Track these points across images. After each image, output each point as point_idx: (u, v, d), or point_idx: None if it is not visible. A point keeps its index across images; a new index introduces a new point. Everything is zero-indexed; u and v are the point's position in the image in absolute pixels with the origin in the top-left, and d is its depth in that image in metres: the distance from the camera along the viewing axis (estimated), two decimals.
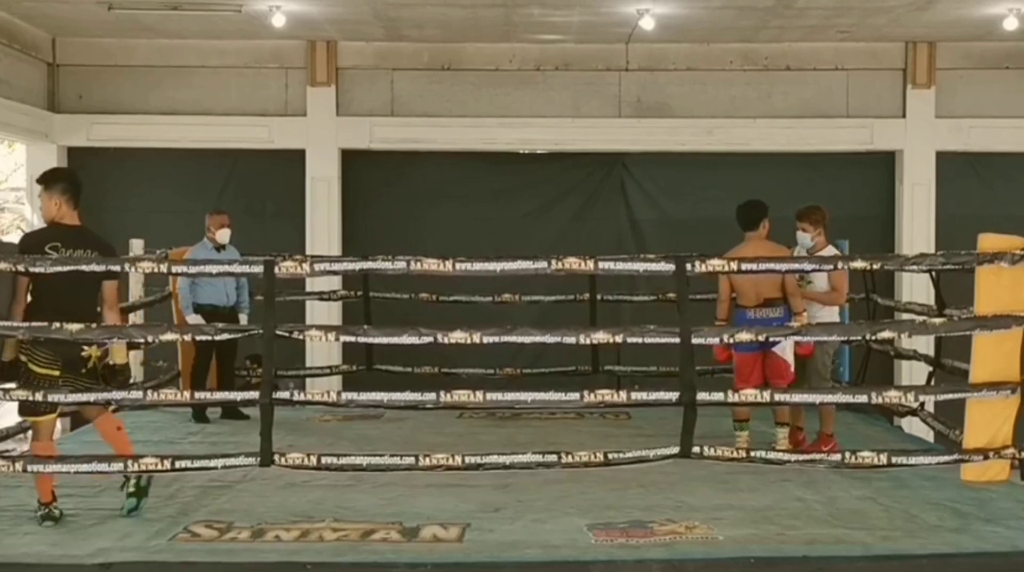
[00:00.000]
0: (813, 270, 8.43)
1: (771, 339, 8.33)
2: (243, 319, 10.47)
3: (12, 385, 7.03)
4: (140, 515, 6.92)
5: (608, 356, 12.00)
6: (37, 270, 6.72)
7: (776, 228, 9.39)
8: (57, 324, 6.70)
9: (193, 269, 9.09)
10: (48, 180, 7.05)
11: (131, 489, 6.96)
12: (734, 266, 7.42)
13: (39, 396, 6.79)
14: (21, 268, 6.74)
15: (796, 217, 9.18)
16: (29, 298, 6.89)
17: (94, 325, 6.82)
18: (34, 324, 6.75)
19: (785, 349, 8.72)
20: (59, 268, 6.73)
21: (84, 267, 6.80)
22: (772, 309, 8.66)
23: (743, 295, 8.73)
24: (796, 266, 8.13)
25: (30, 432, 7.44)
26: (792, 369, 8.80)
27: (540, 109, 14.66)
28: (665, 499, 7.38)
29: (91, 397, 6.94)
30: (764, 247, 8.73)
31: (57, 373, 6.86)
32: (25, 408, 6.99)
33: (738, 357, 8.83)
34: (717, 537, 6.52)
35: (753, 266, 7.68)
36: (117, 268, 6.97)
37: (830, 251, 9.10)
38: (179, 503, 7.30)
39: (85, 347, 6.91)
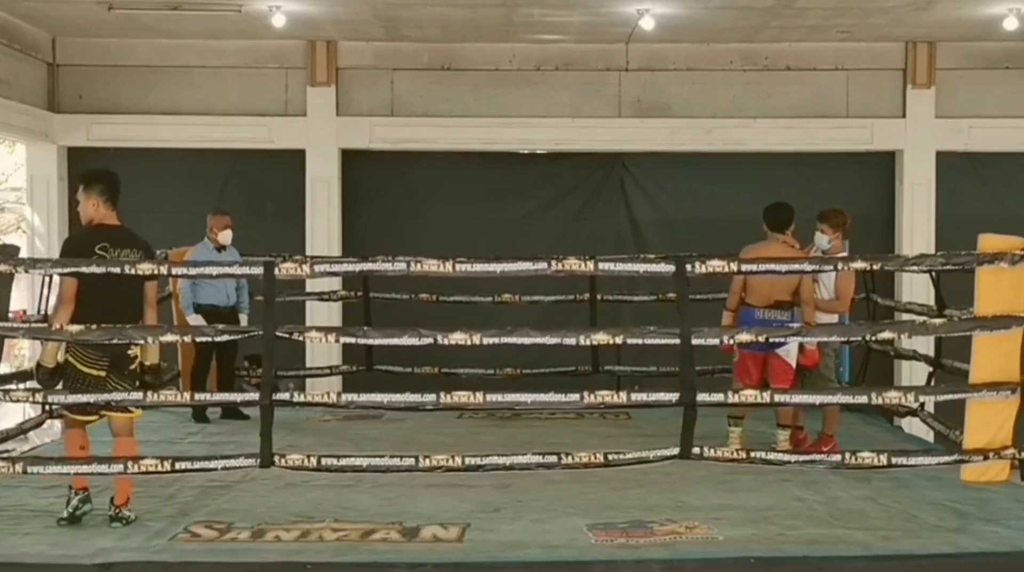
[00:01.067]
0: (814, 271, 8.43)
1: (776, 341, 8.34)
2: (243, 319, 10.47)
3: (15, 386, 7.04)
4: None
5: (608, 356, 12.00)
6: (38, 271, 6.72)
7: None
8: (57, 325, 6.71)
9: (193, 270, 9.10)
10: (86, 181, 7.08)
11: (114, 520, 6.92)
12: (734, 266, 7.43)
13: (56, 396, 6.80)
14: (21, 270, 6.74)
15: (817, 217, 9.17)
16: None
17: (93, 326, 6.81)
18: (34, 325, 6.76)
19: (789, 352, 8.71)
20: (61, 270, 6.73)
21: (84, 269, 6.80)
22: (780, 311, 8.66)
23: (755, 293, 8.71)
24: (796, 267, 8.12)
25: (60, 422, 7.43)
26: (794, 373, 8.77)
27: (540, 109, 14.65)
28: (665, 499, 7.38)
29: (106, 398, 6.92)
30: (787, 251, 8.71)
31: (104, 373, 6.86)
32: (68, 406, 6.98)
33: (741, 353, 8.84)
34: (717, 537, 6.52)
35: (753, 266, 7.70)
36: (117, 269, 6.96)
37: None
38: (179, 503, 7.31)
39: (132, 346, 6.92)
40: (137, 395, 6.98)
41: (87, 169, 7.30)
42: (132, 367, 6.97)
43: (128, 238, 7.03)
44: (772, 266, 7.94)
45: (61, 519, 6.82)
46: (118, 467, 6.90)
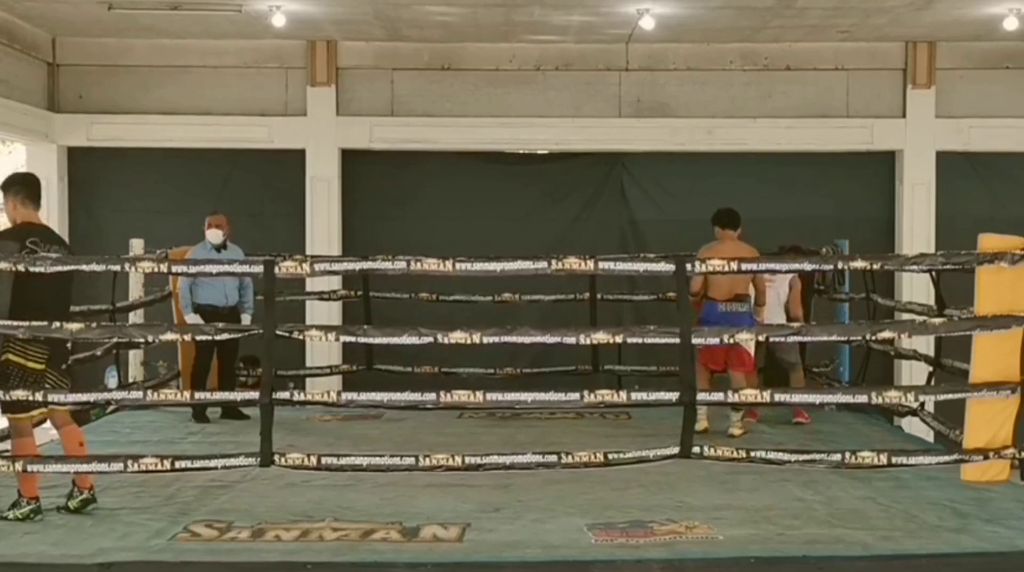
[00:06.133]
0: (814, 270, 8.48)
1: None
2: (246, 319, 10.43)
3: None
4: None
5: (608, 356, 12.00)
6: (38, 269, 6.72)
7: (771, 229, 9.73)
8: (57, 324, 6.72)
9: (193, 269, 9.10)
10: (3, 186, 7.13)
11: (74, 505, 6.94)
12: (734, 266, 7.43)
13: (39, 396, 6.80)
14: (22, 267, 6.73)
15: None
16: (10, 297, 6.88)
17: (93, 325, 6.83)
18: (35, 323, 6.75)
19: (748, 341, 9.22)
20: (59, 268, 6.73)
21: (85, 267, 6.82)
22: (740, 304, 9.45)
23: (716, 289, 9.33)
24: (796, 266, 8.15)
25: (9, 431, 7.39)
26: (753, 358, 9.69)
27: (540, 109, 14.65)
28: (665, 499, 7.38)
29: (88, 397, 6.93)
30: (740, 246, 9.40)
31: (43, 367, 6.90)
32: (10, 406, 6.96)
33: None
34: (717, 537, 6.52)
35: (754, 266, 7.71)
36: (117, 267, 6.96)
37: None
38: (179, 503, 7.30)
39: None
40: (137, 394, 6.98)
41: (6, 176, 7.35)
42: (69, 362, 7.03)
43: (53, 236, 7.14)
44: (772, 266, 7.98)
45: (3, 516, 6.84)
46: (118, 465, 6.91)
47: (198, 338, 8.60)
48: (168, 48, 14.46)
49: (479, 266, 7.13)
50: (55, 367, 6.97)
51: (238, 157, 14.69)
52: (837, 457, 7.26)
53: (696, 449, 7.06)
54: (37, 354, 6.87)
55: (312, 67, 14.53)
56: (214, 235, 10.53)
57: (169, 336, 7.71)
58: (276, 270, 7.03)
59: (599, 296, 11.92)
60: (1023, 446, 7.53)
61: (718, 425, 9.59)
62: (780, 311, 10.28)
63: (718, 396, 7.66)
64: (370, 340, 8.56)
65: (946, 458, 7.62)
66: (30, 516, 6.83)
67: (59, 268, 6.74)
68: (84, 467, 6.94)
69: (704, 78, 14.66)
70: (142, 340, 9.89)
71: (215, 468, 7.12)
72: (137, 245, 11.61)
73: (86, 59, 14.59)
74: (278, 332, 7.01)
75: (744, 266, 7.61)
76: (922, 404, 9.60)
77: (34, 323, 6.75)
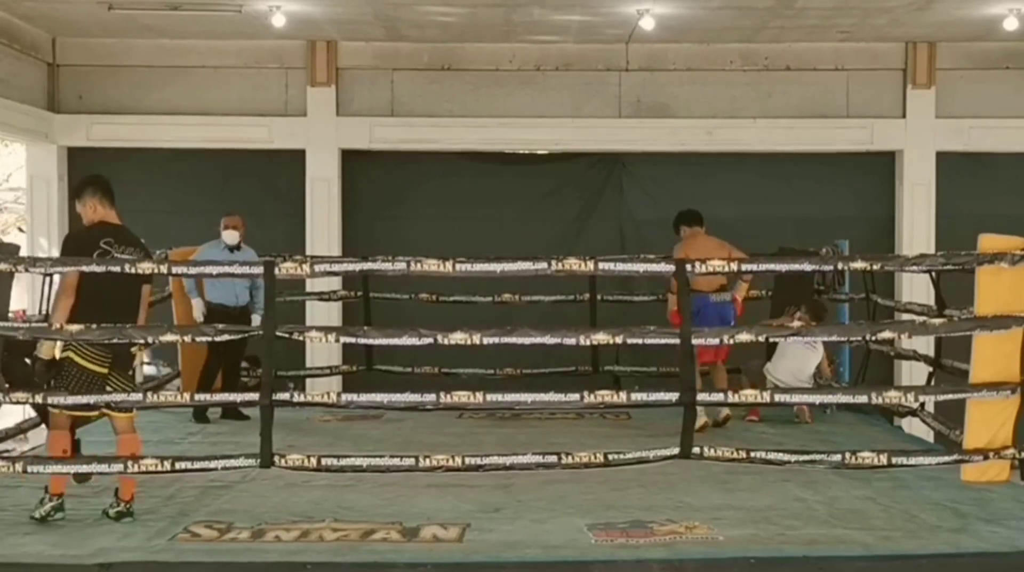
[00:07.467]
0: (814, 270, 8.50)
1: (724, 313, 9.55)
2: (256, 320, 10.38)
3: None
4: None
5: (608, 356, 12.00)
6: (37, 270, 6.72)
7: (771, 229, 9.69)
8: (57, 323, 6.71)
9: (193, 269, 9.09)
10: (77, 191, 7.16)
11: (112, 514, 6.93)
12: (734, 266, 7.45)
13: (38, 397, 6.79)
14: (21, 268, 6.74)
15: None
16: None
17: (92, 325, 6.82)
18: (33, 325, 6.76)
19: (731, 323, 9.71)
20: (60, 269, 6.73)
21: (84, 268, 6.81)
22: (726, 293, 9.91)
23: (702, 282, 9.55)
24: (796, 266, 8.16)
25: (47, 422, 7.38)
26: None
27: (540, 109, 14.65)
28: (665, 499, 7.38)
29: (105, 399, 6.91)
30: (709, 241, 9.87)
31: (106, 370, 6.87)
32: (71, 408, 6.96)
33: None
34: (717, 537, 6.52)
35: (754, 266, 7.72)
36: (116, 268, 6.95)
37: None
38: (179, 503, 7.31)
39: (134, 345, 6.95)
40: (137, 396, 6.98)
41: (77, 180, 7.32)
42: (135, 365, 7.02)
43: (130, 237, 7.09)
44: (771, 266, 8.00)
45: (32, 517, 6.82)
46: (118, 466, 6.90)
47: (199, 339, 8.57)
48: (168, 48, 14.46)
49: (479, 267, 7.14)
50: (120, 371, 6.94)
51: (238, 157, 14.68)
52: (837, 457, 7.27)
53: (696, 449, 7.07)
54: (99, 357, 6.85)
55: (312, 67, 14.53)
56: (230, 236, 10.54)
57: (169, 337, 7.71)
58: (276, 271, 7.04)
59: (599, 297, 11.92)
60: (1023, 446, 7.54)
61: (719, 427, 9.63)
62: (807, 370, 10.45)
63: (718, 396, 7.65)
64: (370, 341, 8.56)
65: (946, 458, 7.63)
66: (53, 512, 6.82)
67: (59, 269, 6.73)
68: (84, 467, 6.94)
69: (704, 78, 14.65)
70: (142, 341, 9.89)
71: (215, 469, 7.11)
72: None
73: (86, 59, 14.58)
74: (278, 333, 7.01)
75: (744, 267, 7.62)
76: (922, 404, 9.60)
77: (33, 325, 6.76)
